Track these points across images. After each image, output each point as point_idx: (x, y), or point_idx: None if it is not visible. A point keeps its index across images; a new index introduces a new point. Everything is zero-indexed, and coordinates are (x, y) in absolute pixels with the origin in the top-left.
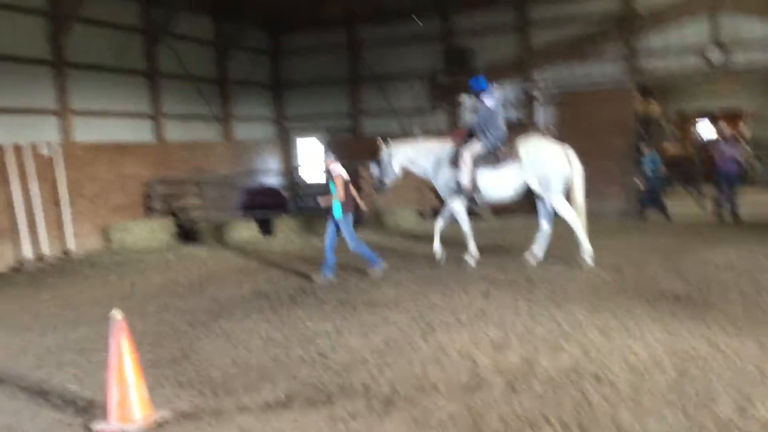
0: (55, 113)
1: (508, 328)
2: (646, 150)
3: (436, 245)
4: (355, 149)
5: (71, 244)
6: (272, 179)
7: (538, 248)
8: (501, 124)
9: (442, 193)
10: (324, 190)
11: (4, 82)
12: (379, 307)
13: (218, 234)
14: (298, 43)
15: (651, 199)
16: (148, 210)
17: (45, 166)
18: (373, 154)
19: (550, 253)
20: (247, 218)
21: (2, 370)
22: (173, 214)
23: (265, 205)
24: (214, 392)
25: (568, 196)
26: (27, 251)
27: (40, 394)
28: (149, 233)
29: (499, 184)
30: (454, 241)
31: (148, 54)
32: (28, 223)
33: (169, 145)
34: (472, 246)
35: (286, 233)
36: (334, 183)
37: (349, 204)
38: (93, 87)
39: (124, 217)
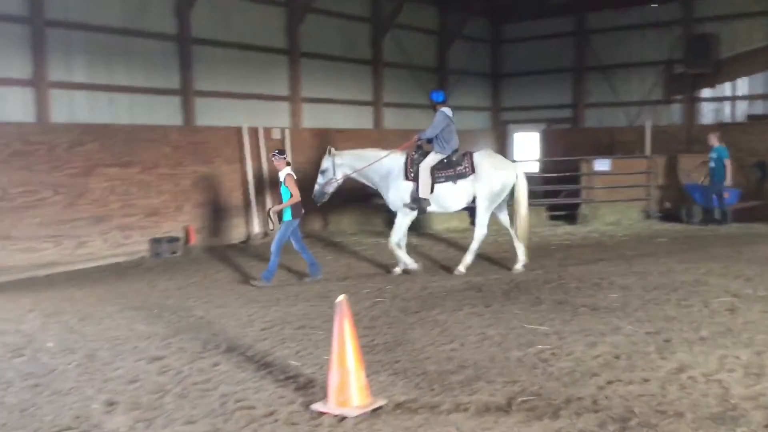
0: (287, 99)
1: (762, 352)
2: (714, 140)
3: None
4: (575, 142)
5: None
6: None
7: (470, 257)
8: (455, 136)
9: (392, 205)
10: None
11: (246, 69)
12: (604, 313)
13: (428, 222)
14: (521, 32)
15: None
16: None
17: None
18: (603, 147)
19: None
20: None
21: (232, 339)
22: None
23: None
24: (430, 386)
25: (512, 207)
26: (255, 227)
27: (264, 366)
28: (362, 217)
29: (454, 196)
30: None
31: (374, 44)
32: (258, 201)
33: (386, 131)
34: (405, 258)
35: (498, 225)
36: (286, 187)
37: (299, 208)
38: (321, 75)
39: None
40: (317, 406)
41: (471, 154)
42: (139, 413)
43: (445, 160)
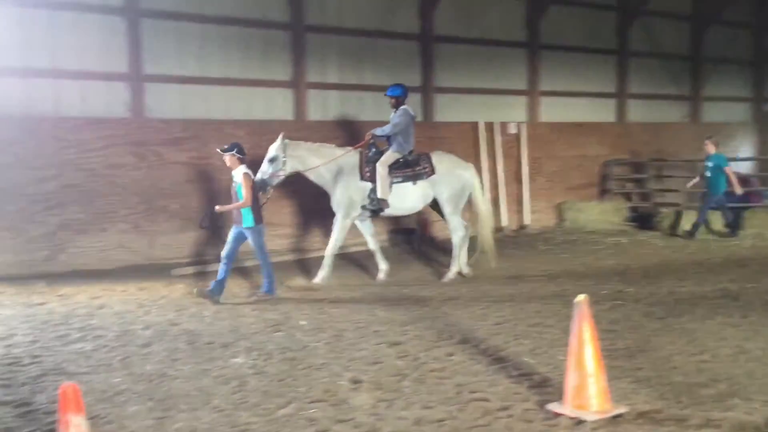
0: (525, 93)
1: None
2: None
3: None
4: None
5: (527, 219)
6: (745, 167)
7: (458, 262)
8: (413, 136)
9: (339, 205)
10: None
11: (484, 64)
12: None
13: (677, 222)
14: None
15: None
16: (603, 191)
17: (511, 144)
18: None
19: None
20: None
21: (465, 331)
22: (628, 197)
23: (733, 196)
24: (677, 398)
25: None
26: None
27: (498, 361)
28: (601, 215)
29: (412, 197)
30: None
31: (619, 33)
32: (491, 196)
33: (631, 125)
34: (327, 267)
35: (759, 229)
36: (240, 186)
37: (259, 211)
38: (562, 67)
39: (579, 196)
40: (553, 407)
41: (429, 155)
42: (381, 393)
43: (402, 160)
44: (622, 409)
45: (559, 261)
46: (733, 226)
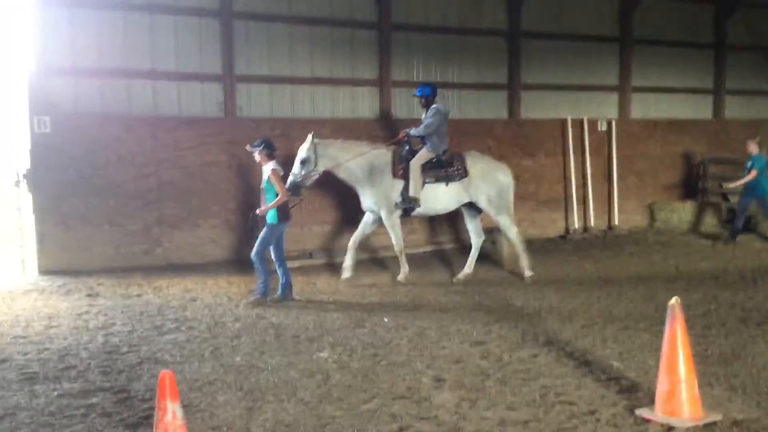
0: (615, 89)
1: None
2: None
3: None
4: None
5: (616, 219)
6: None
7: (527, 258)
8: (446, 135)
9: (373, 204)
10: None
11: (573, 60)
12: None
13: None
14: None
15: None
16: (697, 191)
17: (600, 141)
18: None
19: None
20: None
21: (551, 333)
22: (725, 198)
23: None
24: None
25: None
26: (575, 221)
27: (584, 364)
28: (696, 216)
29: (444, 198)
30: None
31: (717, 26)
32: (578, 195)
33: (728, 122)
34: (404, 265)
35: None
36: (270, 185)
37: (286, 209)
38: (655, 62)
39: (671, 196)
40: (642, 412)
41: (463, 157)
42: (464, 392)
43: (435, 160)
44: (715, 417)
45: (650, 263)
46: None
